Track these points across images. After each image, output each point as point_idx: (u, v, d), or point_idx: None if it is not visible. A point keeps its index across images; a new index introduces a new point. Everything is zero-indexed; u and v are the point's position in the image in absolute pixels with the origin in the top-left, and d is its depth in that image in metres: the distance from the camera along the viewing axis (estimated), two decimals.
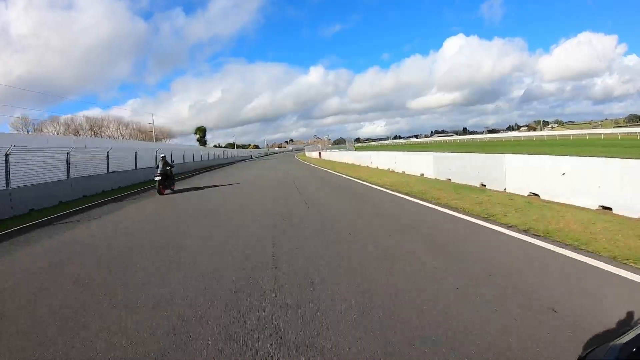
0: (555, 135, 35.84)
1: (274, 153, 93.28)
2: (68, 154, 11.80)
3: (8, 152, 10.14)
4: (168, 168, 11.41)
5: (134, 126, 55.83)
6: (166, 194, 10.97)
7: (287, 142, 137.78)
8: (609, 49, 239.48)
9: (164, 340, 2.05)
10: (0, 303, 2.84)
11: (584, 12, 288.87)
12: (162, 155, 12.04)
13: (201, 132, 68.23)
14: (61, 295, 2.92)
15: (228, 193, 10.36)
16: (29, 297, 2.95)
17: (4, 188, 9.16)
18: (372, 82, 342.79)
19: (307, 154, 47.34)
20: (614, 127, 36.78)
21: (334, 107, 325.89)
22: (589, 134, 34.16)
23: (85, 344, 2.09)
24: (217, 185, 12.49)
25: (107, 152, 14.77)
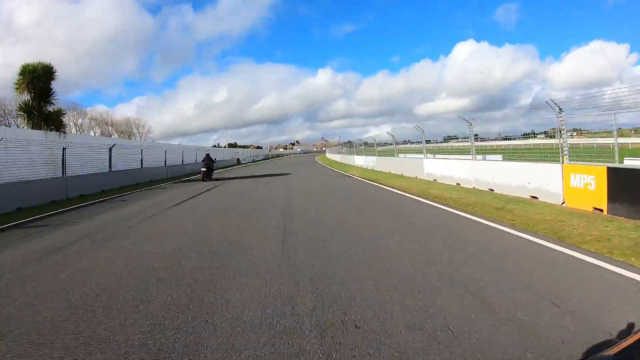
0: (579, 143, 36.34)
1: (278, 156, 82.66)
2: (142, 150, 19.73)
3: (65, 147, 11.81)
4: (212, 163, 16.68)
5: (96, 116, 54.30)
6: (207, 181, 15.98)
7: (292, 144, 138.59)
8: (620, 58, 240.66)
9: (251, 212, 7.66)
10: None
11: (598, 20, 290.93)
12: (207, 153, 17.69)
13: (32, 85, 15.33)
14: (199, 215, 7.87)
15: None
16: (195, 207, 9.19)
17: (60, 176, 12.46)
18: (380, 85, 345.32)
19: (329, 156, 51.71)
20: (634, 135, 37.04)
21: (341, 111, 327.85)
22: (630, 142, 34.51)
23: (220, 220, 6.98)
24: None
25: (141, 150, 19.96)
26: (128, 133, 60.14)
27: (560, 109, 7.32)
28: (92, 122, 53.69)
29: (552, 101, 7.32)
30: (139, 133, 63.23)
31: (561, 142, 7.26)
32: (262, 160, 59.78)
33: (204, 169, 16.21)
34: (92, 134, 50.92)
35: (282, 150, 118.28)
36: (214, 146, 63.62)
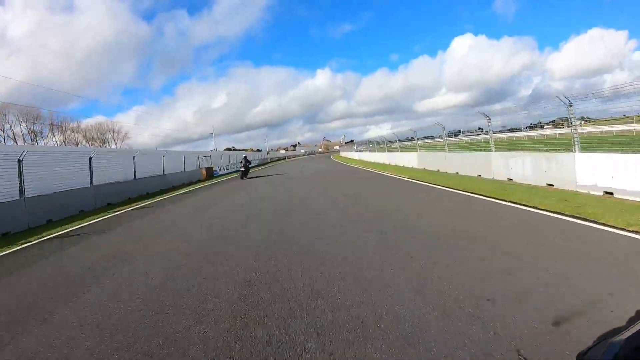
0: (597, 131, 36.79)
1: (278, 159, 73.31)
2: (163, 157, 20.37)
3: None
4: (248, 164, 20.59)
5: (55, 122, 48.65)
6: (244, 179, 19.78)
7: (293, 146, 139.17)
8: (620, 45, 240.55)
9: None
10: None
11: (596, 8, 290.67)
12: (244, 155, 24.22)
13: None
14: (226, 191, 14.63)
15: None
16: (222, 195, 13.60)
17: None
18: (380, 84, 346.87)
19: (344, 154, 54.15)
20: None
21: (341, 111, 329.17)
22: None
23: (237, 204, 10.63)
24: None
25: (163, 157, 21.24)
26: (101, 140, 53.77)
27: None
28: (53, 128, 47.65)
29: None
30: (114, 139, 56.40)
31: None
32: (256, 167, 40.88)
33: (243, 169, 20.26)
34: (52, 142, 44.97)
35: (283, 152, 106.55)
36: (211, 150, 63.37)
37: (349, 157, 46.20)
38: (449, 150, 14.98)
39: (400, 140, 23.76)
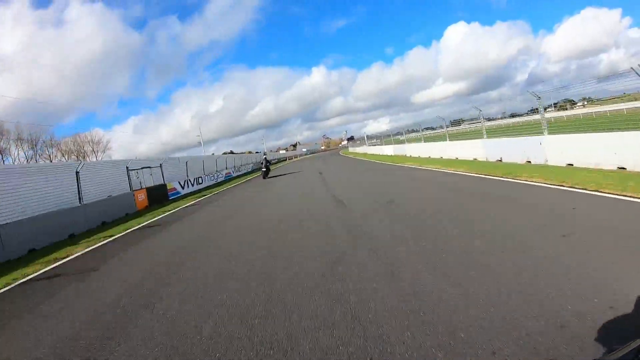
0: (606, 111, 37.12)
1: (279, 160, 68.59)
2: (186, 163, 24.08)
3: (161, 164, 20.06)
4: (269, 164, 22.11)
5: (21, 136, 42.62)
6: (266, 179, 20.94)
7: (293, 146, 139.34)
8: (614, 23, 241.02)
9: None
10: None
11: None
12: (265, 156, 24.96)
13: None
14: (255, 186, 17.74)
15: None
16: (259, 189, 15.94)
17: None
18: (376, 78, 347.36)
19: (353, 149, 56.14)
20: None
21: (338, 108, 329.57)
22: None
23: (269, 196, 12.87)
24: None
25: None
26: (78, 152, 49.35)
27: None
28: (19, 143, 42.36)
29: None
30: (95, 152, 51.28)
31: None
32: (247, 174, 35.11)
33: (264, 169, 21.70)
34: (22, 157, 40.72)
35: (283, 152, 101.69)
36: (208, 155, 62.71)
37: (366, 152, 44.74)
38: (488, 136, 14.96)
39: (428, 128, 23.83)
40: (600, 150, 8.57)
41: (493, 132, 16.87)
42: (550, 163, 10.38)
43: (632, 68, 7.69)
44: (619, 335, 2.17)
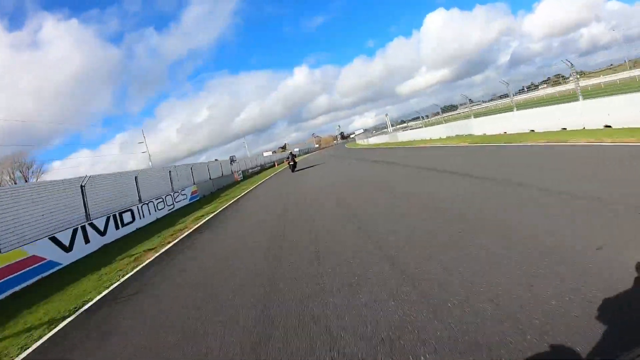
0: (599, 83, 38.49)
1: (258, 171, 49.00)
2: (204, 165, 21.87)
3: (194, 168, 21.74)
4: (294, 158, 24.19)
5: None
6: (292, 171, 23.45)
7: (282, 148, 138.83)
8: None
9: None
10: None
11: None
12: (290, 151, 27.12)
13: None
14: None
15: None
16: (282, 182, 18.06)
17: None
18: (359, 72, 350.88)
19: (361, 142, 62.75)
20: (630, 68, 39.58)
21: (324, 106, 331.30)
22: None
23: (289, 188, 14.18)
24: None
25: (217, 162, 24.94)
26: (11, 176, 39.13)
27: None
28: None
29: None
30: (24, 175, 39.92)
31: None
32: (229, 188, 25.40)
33: (292, 163, 23.74)
34: None
35: (268, 154, 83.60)
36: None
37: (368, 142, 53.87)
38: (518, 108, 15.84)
39: (450, 107, 28.13)
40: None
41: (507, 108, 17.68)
42: (588, 127, 10.97)
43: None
44: None
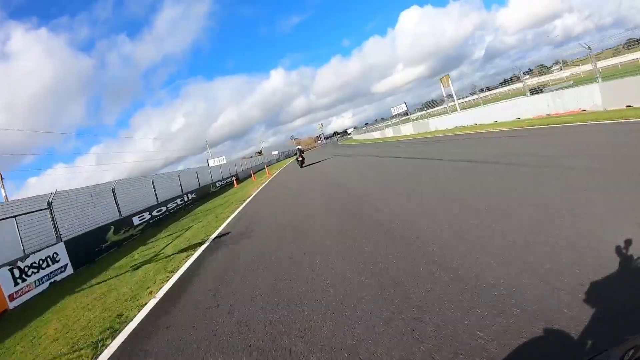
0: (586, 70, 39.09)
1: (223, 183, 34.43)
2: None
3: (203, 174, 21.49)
4: (302, 154, 25.69)
5: None
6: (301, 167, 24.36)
7: (259, 153, 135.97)
8: None
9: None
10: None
11: None
12: (298, 147, 27.66)
13: None
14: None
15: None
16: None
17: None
18: (336, 72, 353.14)
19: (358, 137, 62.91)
20: (614, 55, 40.71)
21: (301, 108, 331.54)
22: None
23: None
24: None
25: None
26: None
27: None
28: None
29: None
30: None
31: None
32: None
33: (300, 159, 25.25)
34: None
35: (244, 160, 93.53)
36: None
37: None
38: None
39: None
40: None
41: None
42: (609, 108, 11.24)
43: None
44: None
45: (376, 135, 46.69)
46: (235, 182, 27.87)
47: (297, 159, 26.53)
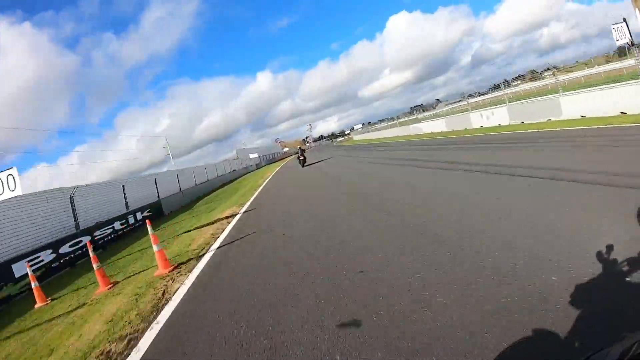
0: (579, 77, 37.72)
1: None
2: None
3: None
4: (304, 153, 26.51)
5: None
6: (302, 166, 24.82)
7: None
8: None
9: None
10: None
11: None
12: (299, 147, 29.81)
13: None
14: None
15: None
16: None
17: None
18: (323, 76, 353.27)
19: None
20: (606, 63, 39.82)
21: (287, 111, 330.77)
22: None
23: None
24: None
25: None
26: None
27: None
28: None
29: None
30: None
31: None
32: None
33: (301, 158, 25.66)
34: None
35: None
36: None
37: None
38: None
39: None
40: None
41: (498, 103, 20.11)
42: (565, 118, 13.53)
43: None
44: None
45: (387, 133, 43.35)
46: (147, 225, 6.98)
47: (298, 157, 27.84)
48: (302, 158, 26.00)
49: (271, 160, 78.44)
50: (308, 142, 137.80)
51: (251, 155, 70.00)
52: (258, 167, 61.53)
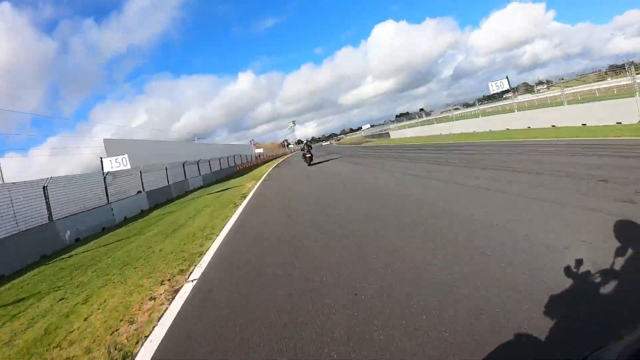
0: (576, 92, 37.58)
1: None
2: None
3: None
4: (310, 150, 24.48)
5: None
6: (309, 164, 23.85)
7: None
8: (539, 16, 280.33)
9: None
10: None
11: None
12: (306, 142, 26.07)
13: None
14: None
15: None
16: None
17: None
18: (305, 80, 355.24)
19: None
20: (598, 79, 40.40)
21: (266, 114, 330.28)
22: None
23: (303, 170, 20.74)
24: None
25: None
26: None
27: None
28: None
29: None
30: None
31: None
32: None
33: (308, 155, 23.75)
34: None
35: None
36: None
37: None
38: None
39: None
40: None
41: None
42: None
43: None
44: None
45: (397, 135, 41.72)
46: None
47: (304, 155, 26.31)
48: (308, 155, 23.90)
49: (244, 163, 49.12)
50: (288, 146, 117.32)
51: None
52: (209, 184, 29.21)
